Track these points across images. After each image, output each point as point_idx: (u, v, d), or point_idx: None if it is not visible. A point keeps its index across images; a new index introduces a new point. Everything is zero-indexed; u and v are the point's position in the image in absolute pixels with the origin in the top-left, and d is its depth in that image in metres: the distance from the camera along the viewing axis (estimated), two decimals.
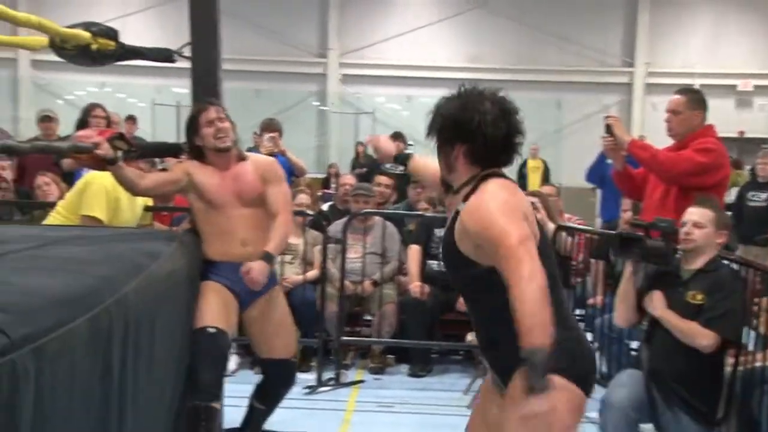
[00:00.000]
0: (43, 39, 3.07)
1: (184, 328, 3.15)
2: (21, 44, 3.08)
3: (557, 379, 2.05)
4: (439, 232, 5.75)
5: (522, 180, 14.39)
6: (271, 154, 6.06)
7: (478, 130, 2.35)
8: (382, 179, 6.63)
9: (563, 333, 2.12)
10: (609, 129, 4.47)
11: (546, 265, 2.09)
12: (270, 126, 6.60)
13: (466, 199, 2.33)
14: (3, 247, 2.74)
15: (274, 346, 3.67)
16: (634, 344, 4.61)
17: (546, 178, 14.28)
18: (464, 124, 2.36)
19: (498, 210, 2.17)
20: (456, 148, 2.38)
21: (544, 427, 2.06)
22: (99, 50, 3.13)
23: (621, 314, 3.65)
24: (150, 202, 4.77)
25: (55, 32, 2.79)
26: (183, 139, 3.63)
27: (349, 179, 7.16)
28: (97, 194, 4.05)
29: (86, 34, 3.02)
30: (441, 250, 2.50)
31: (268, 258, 3.45)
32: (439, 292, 5.63)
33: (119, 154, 3.15)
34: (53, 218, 4.24)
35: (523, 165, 14.71)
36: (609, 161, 6.39)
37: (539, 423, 2.03)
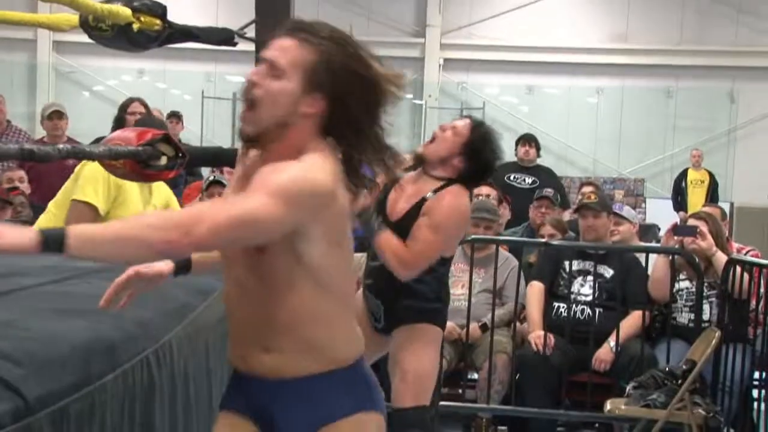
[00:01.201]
0: (71, 17, 3.17)
1: None
2: (45, 23, 3.19)
3: None
4: (576, 265, 5.69)
5: (679, 196, 14.09)
6: None
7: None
8: (484, 190, 6.56)
9: None
10: None
11: None
12: None
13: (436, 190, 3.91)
14: (17, 281, 2.83)
15: None
16: None
17: (712, 195, 13.95)
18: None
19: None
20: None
21: None
22: (141, 31, 3.21)
23: None
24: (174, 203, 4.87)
25: (90, 8, 2.88)
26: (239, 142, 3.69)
27: None
28: (92, 178, 4.14)
29: (127, 11, 3.11)
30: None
31: None
32: (569, 345, 5.56)
33: (164, 161, 3.22)
34: (44, 220, 4.37)
35: (682, 177, 14.41)
36: None
37: None
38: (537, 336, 5.53)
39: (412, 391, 3.86)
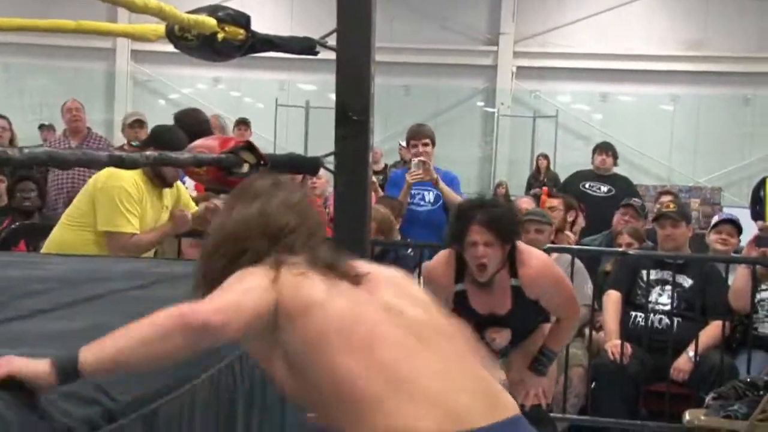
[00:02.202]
0: (158, 27, 3.24)
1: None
2: (131, 33, 3.26)
3: None
4: (654, 274, 5.65)
5: (758, 206, 13.84)
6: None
7: None
8: (553, 202, 6.59)
9: None
10: None
11: None
12: (419, 133, 6.57)
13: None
14: (104, 285, 2.89)
15: None
16: None
17: None
18: None
19: None
20: None
21: None
22: (226, 40, 3.27)
23: None
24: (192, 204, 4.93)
25: (177, 19, 2.94)
26: (312, 147, 3.73)
27: (525, 202, 7.09)
28: (115, 204, 4.23)
29: (212, 21, 3.17)
30: None
31: None
32: (647, 354, 5.51)
33: (246, 168, 3.27)
34: (58, 234, 4.43)
35: (761, 186, 14.13)
36: None
37: None
38: (614, 345, 5.49)
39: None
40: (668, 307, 5.53)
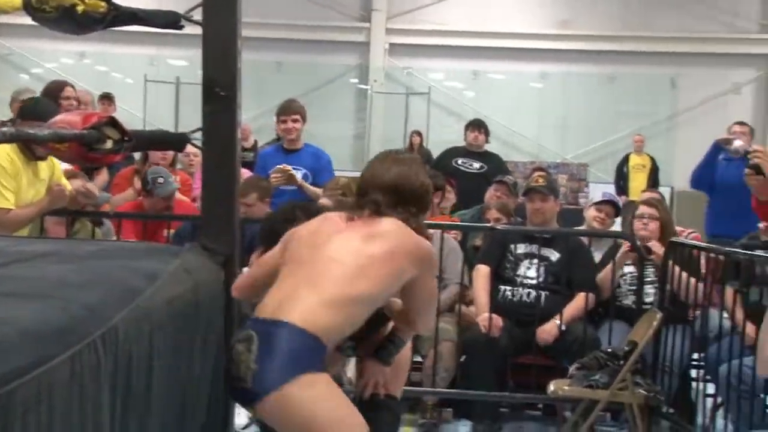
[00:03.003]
0: None
1: (189, 371, 3.19)
2: None
3: None
4: (522, 248, 5.75)
5: (621, 181, 14.29)
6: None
7: None
8: None
9: None
10: (758, 169, 4.65)
11: None
12: (288, 109, 6.59)
13: None
14: None
15: None
16: None
17: (654, 180, 14.16)
18: None
19: None
20: None
21: None
22: (86, 12, 3.19)
23: (765, 361, 3.62)
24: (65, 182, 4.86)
25: None
26: (184, 124, 3.69)
27: None
28: None
29: None
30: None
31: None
32: (515, 327, 5.62)
33: (110, 144, 3.21)
34: None
35: (624, 162, 14.60)
36: (723, 160, 6.44)
37: None
38: (484, 318, 5.58)
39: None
40: (535, 281, 5.65)
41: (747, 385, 4.71)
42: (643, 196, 7.19)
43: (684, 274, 5.33)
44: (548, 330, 5.51)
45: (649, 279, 5.69)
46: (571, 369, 5.05)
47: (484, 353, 5.57)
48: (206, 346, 3.37)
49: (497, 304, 5.69)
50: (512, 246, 5.77)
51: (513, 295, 5.68)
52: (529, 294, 5.67)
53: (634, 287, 5.68)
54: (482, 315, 5.61)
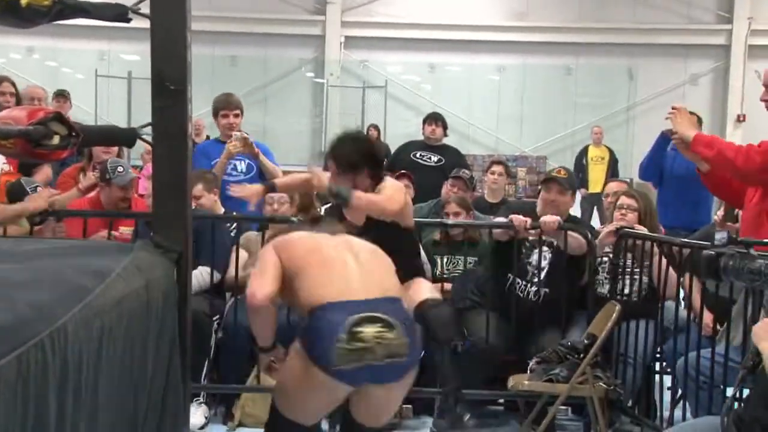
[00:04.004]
0: None
1: (142, 371, 3.17)
2: None
3: None
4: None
5: (580, 174, 14.37)
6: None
7: None
8: None
9: None
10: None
11: None
12: (230, 104, 6.60)
13: None
14: None
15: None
16: (730, 391, 4.58)
17: (613, 172, 14.27)
18: None
19: None
20: None
21: None
22: (30, 5, 3.15)
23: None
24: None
25: None
26: (136, 120, 3.66)
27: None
28: None
29: None
30: None
31: None
32: (512, 330, 5.51)
33: (57, 140, 3.17)
34: None
35: (583, 154, 14.70)
36: (671, 150, 6.48)
37: None
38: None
39: None
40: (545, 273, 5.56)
41: (705, 376, 4.76)
42: (611, 186, 7.16)
43: (666, 265, 5.29)
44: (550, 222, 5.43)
45: (628, 269, 5.63)
46: (531, 363, 5.07)
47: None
48: (159, 345, 3.34)
49: (504, 296, 5.56)
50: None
51: (521, 291, 5.58)
52: (536, 292, 5.57)
53: (610, 275, 5.62)
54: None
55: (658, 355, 5.60)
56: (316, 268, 3.50)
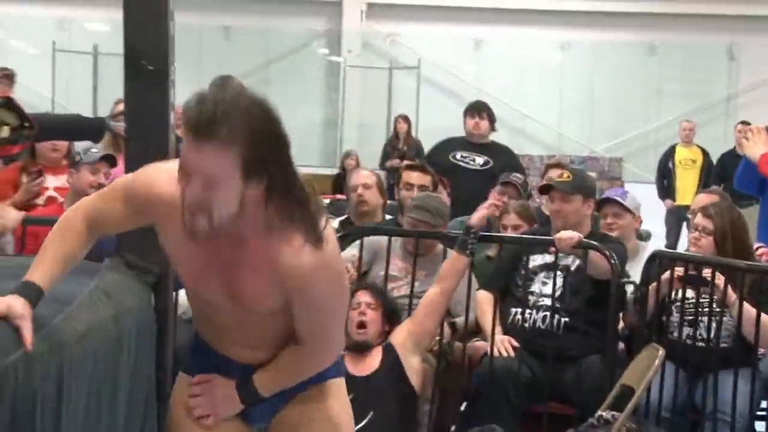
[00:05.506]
0: None
1: (113, 417, 3.21)
2: None
3: None
4: (536, 260, 5.76)
5: (665, 180, 14.26)
6: None
7: None
8: (415, 176, 6.71)
9: None
10: None
11: None
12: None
13: None
14: None
15: None
16: None
17: (706, 178, 14.18)
18: None
19: None
20: None
21: None
22: None
23: None
24: None
25: None
26: (104, 105, 3.70)
27: (364, 178, 6.94)
28: None
29: None
30: None
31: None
32: (530, 357, 5.61)
33: (5, 132, 3.22)
34: None
35: (669, 156, 14.61)
36: None
37: None
38: (500, 341, 5.57)
39: None
40: (550, 300, 5.61)
41: None
42: (699, 199, 7.12)
43: (750, 308, 5.29)
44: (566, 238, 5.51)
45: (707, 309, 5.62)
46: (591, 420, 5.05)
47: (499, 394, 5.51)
48: (133, 387, 3.37)
49: (506, 332, 5.69)
50: (525, 258, 5.75)
51: (524, 320, 5.68)
52: (544, 319, 5.65)
53: (691, 317, 5.60)
54: (498, 337, 5.57)
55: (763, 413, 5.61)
56: None
